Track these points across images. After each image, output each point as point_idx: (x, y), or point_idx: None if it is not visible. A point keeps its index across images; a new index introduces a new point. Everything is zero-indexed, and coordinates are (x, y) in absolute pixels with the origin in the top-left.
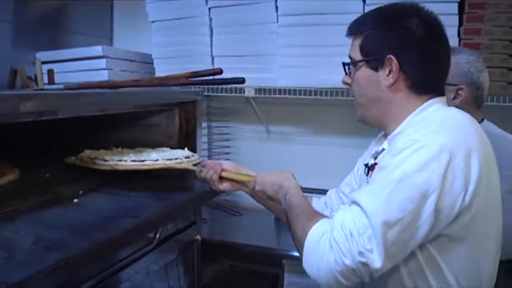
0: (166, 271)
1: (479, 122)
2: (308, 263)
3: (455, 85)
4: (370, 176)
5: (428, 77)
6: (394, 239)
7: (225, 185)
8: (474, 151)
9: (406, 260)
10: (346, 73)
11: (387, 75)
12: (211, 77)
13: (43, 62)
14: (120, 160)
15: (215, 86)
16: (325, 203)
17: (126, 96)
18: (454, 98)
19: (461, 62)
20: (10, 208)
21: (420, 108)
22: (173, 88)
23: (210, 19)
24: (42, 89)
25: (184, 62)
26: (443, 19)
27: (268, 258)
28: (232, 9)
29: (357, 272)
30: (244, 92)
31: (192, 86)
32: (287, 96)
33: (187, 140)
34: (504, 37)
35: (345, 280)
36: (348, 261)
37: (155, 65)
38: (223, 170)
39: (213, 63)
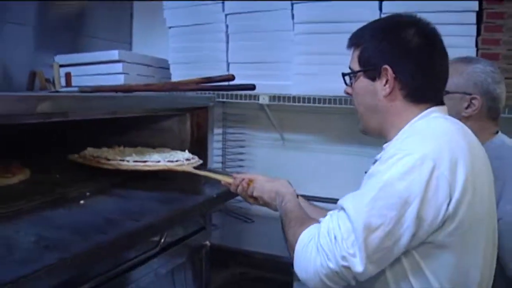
0: (172, 276)
1: (494, 134)
2: (298, 266)
3: (469, 94)
4: None
5: (424, 86)
6: (376, 244)
7: (251, 200)
8: (460, 160)
9: (392, 265)
10: (346, 84)
11: (384, 85)
12: (222, 83)
13: (62, 65)
14: (123, 160)
15: (230, 93)
16: None
17: (136, 100)
18: (467, 108)
19: (477, 72)
20: (15, 207)
21: (417, 117)
22: (186, 93)
23: (227, 26)
24: (56, 91)
25: (200, 68)
26: (461, 29)
27: (278, 266)
28: (249, 16)
29: (341, 275)
30: (258, 99)
31: (204, 92)
32: (301, 104)
33: (198, 146)
34: None
35: (331, 283)
36: (332, 265)
37: (171, 70)
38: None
39: (228, 70)
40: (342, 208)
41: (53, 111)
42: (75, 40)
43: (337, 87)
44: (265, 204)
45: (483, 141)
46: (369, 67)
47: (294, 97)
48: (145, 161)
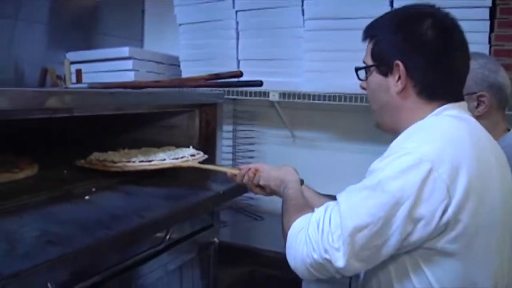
0: (180, 273)
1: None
2: (288, 253)
3: (475, 93)
4: None
5: (439, 83)
6: (363, 242)
7: (257, 190)
8: (463, 166)
9: (397, 270)
10: (359, 78)
11: (396, 81)
12: (230, 80)
13: (73, 62)
14: (129, 161)
15: (240, 90)
16: None
17: (143, 96)
18: (477, 106)
19: (474, 68)
20: (21, 202)
21: (429, 115)
22: (195, 89)
23: (237, 23)
24: (66, 88)
25: (210, 64)
26: (474, 25)
27: (288, 264)
28: (259, 12)
29: (324, 266)
30: (268, 96)
31: (214, 89)
32: (311, 101)
33: (207, 143)
34: None
35: (316, 273)
36: (316, 256)
37: (181, 67)
38: (255, 170)
39: (238, 67)
40: (337, 201)
41: (58, 106)
42: (87, 38)
43: (348, 84)
44: (272, 192)
45: (500, 136)
46: (381, 62)
47: (304, 94)
48: (150, 161)
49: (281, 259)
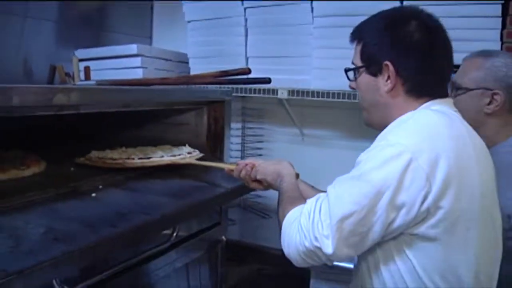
0: (187, 271)
1: None
2: (283, 241)
3: (491, 89)
4: None
5: (426, 81)
6: (350, 229)
7: (254, 184)
8: (442, 156)
9: (384, 255)
10: (349, 79)
11: (386, 81)
12: (238, 77)
13: (82, 60)
14: (128, 159)
15: (248, 87)
16: None
17: (150, 93)
18: (489, 104)
19: (498, 66)
20: (27, 199)
21: (415, 110)
22: (202, 86)
23: (246, 20)
24: (74, 85)
25: (219, 62)
26: (485, 22)
27: None
28: (268, 9)
29: (315, 253)
30: (277, 94)
31: (222, 86)
32: (320, 98)
33: (215, 140)
34: None
35: (309, 259)
36: (307, 244)
37: (190, 65)
38: (251, 166)
39: (247, 64)
40: (327, 193)
41: (66, 103)
42: (96, 35)
43: None
44: (269, 185)
45: (505, 138)
46: (370, 63)
47: (313, 92)
48: (149, 158)
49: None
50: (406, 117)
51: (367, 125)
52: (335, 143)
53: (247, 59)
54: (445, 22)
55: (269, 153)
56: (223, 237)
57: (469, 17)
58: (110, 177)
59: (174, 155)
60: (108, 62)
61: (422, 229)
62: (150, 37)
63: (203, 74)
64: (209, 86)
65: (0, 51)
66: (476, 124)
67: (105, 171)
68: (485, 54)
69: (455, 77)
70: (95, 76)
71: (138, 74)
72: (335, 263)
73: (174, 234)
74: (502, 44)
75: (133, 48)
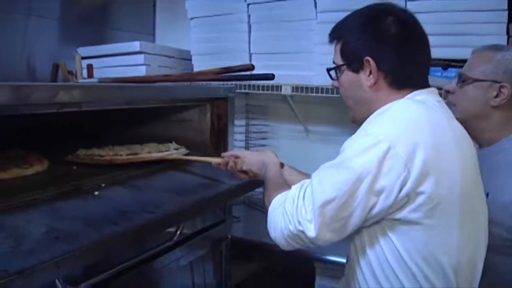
0: (191, 269)
1: None
2: (269, 226)
3: (498, 82)
4: None
5: (407, 73)
6: (332, 214)
7: (241, 175)
8: (420, 145)
9: (369, 238)
10: (331, 78)
11: (368, 76)
12: (242, 73)
13: (85, 57)
14: (116, 155)
15: (252, 83)
16: None
17: (153, 90)
18: (496, 96)
19: (508, 59)
20: (29, 198)
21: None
22: (206, 83)
23: (249, 16)
24: (76, 83)
25: (222, 58)
26: (491, 15)
27: (301, 260)
28: (271, 5)
29: (299, 237)
30: (280, 90)
31: (226, 83)
32: (324, 94)
33: (218, 137)
34: None
35: (293, 243)
36: (291, 227)
37: (193, 62)
38: (236, 157)
39: (250, 60)
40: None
41: (68, 101)
42: (98, 33)
43: None
44: (255, 176)
45: (510, 133)
46: (351, 60)
47: (317, 88)
48: (137, 153)
49: (293, 255)
50: (385, 107)
51: (354, 122)
52: (339, 139)
53: (250, 55)
54: (451, 17)
55: (273, 150)
56: (228, 235)
57: (474, 11)
58: (113, 175)
59: (162, 151)
60: (111, 60)
61: (404, 213)
62: (153, 34)
63: (206, 71)
64: (212, 83)
65: (4, 50)
66: (481, 116)
67: (108, 170)
68: (496, 47)
69: (463, 69)
70: (98, 74)
71: (141, 71)
72: (340, 259)
73: (178, 232)
74: (508, 38)
75: (136, 45)
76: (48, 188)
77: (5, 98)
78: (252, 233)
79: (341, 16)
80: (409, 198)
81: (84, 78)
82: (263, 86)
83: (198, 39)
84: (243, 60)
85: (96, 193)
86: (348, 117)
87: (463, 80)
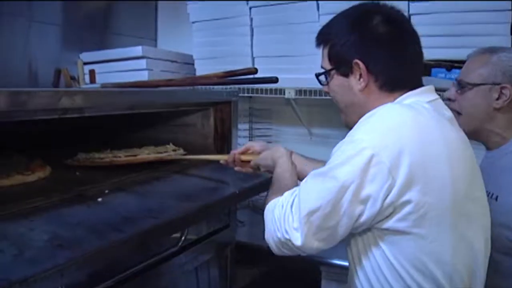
0: (196, 274)
1: None
2: (265, 229)
3: (498, 84)
4: None
5: (398, 74)
6: (318, 223)
7: (245, 169)
8: (405, 151)
9: (363, 246)
10: (320, 84)
11: (358, 79)
12: (245, 77)
13: (87, 63)
14: (115, 157)
15: (255, 87)
16: None
17: (156, 95)
18: (498, 98)
19: (504, 60)
20: (31, 204)
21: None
22: (209, 87)
23: (251, 19)
24: (79, 88)
25: (225, 62)
26: (494, 16)
27: (306, 265)
28: (273, 8)
29: (287, 244)
30: (284, 94)
31: (227, 86)
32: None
33: (222, 141)
34: None
35: (283, 249)
36: (279, 235)
37: (196, 66)
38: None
39: (253, 64)
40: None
41: (70, 106)
42: (100, 38)
43: None
44: (266, 169)
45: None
46: (340, 64)
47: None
48: (136, 155)
49: (299, 260)
50: (371, 112)
51: (347, 126)
52: None
53: (253, 59)
54: (455, 18)
55: None
56: (232, 240)
57: (478, 12)
58: (116, 181)
59: (160, 152)
60: (113, 65)
61: (391, 223)
62: (155, 39)
63: (209, 75)
64: (215, 87)
65: (6, 55)
66: (485, 119)
67: (111, 175)
68: (490, 50)
69: (460, 75)
70: (100, 79)
71: (144, 76)
72: (347, 263)
73: (183, 237)
74: None
75: (138, 50)
76: (51, 195)
77: (8, 103)
78: (257, 238)
79: None
80: (395, 206)
81: (86, 84)
82: (266, 90)
83: (200, 43)
84: (246, 64)
85: (100, 199)
86: (342, 122)
87: (462, 87)
